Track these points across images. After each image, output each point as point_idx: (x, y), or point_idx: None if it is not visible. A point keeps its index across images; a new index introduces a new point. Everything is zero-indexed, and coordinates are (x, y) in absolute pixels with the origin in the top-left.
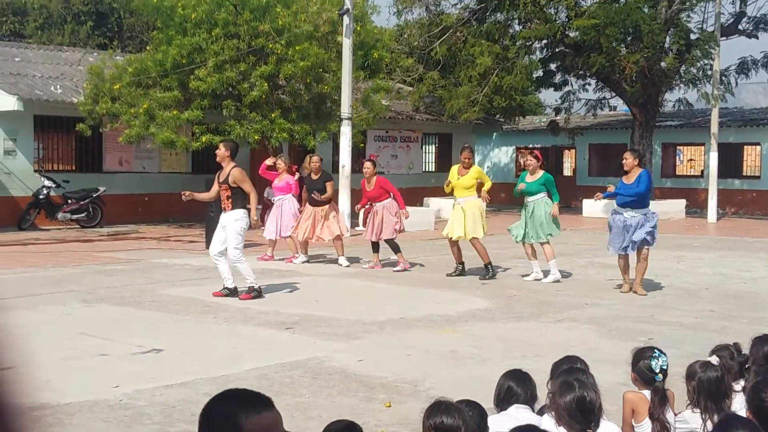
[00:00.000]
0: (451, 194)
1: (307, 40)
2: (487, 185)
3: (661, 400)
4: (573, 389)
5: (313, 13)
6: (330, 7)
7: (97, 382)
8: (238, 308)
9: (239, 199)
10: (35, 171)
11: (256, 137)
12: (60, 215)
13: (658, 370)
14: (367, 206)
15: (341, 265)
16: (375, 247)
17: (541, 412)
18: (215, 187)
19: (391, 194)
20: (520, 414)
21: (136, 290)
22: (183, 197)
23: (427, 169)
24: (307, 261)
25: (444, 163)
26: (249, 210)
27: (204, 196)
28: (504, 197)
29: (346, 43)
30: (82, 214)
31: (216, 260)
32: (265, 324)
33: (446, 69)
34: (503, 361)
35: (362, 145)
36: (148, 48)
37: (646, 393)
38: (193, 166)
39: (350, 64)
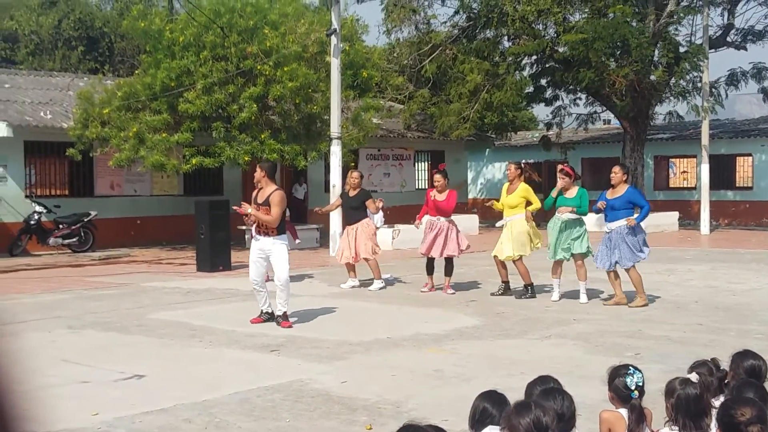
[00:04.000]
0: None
1: (296, 61)
2: (534, 206)
3: (638, 417)
4: (529, 410)
5: (301, 34)
6: (318, 28)
7: (77, 410)
8: (224, 331)
9: (282, 221)
10: (26, 197)
11: (247, 158)
12: (51, 240)
13: (633, 387)
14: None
15: (374, 288)
16: (430, 268)
17: None
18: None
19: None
20: None
21: (123, 315)
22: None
23: (420, 187)
24: (357, 285)
25: None
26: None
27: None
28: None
29: (335, 63)
30: (74, 239)
31: (258, 288)
32: (250, 347)
33: (437, 86)
34: (488, 379)
35: (353, 164)
36: (137, 72)
37: (623, 412)
38: (185, 189)
39: (339, 84)
